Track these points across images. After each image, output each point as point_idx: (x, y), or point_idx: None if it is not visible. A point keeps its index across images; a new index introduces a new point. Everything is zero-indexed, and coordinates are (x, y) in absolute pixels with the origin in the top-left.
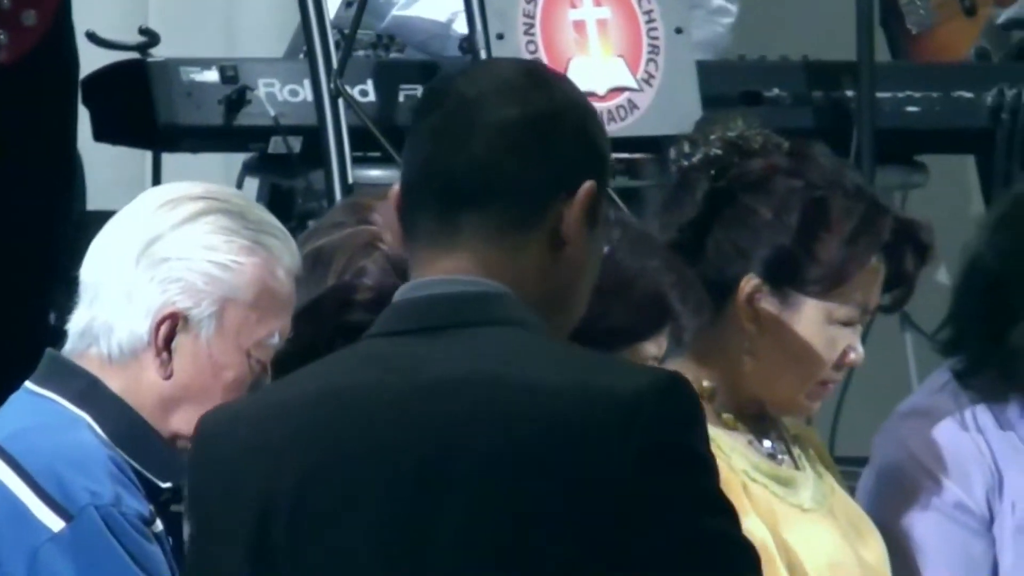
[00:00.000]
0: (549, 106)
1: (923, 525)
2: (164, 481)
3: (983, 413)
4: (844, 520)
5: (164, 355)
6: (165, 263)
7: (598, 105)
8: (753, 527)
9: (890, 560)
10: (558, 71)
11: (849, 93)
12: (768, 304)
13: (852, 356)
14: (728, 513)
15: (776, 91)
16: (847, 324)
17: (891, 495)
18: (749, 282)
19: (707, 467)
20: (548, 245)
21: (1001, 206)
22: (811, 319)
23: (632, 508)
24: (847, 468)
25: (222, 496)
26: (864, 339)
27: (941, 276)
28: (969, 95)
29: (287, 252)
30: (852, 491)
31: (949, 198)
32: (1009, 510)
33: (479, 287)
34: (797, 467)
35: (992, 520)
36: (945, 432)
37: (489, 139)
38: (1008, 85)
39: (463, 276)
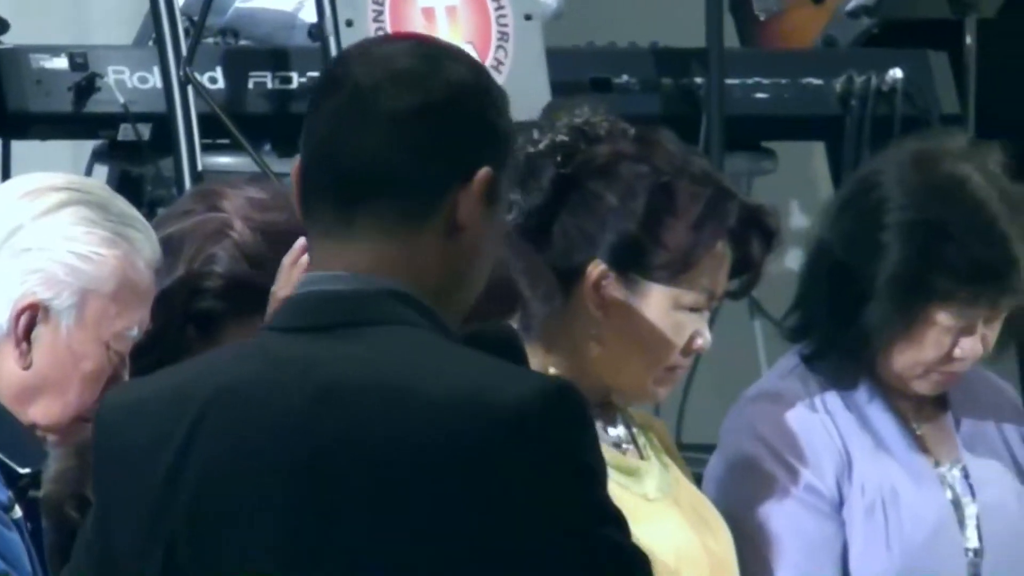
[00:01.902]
0: (445, 93)
1: (773, 509)
2: (23, 467)
3: (832, 396)
4: (690, 510)
5: (24, 345)
6: (26, 253)
7: None
8: None
9: (741, 544)
10: (459, 49)
11: (698, 80)
12: (614, 290)
13: (699, 342)
14: (617, 522)
15: (625, 77)
16: (694, 310)
17: (740, 480)
18: (595, 268)
19: (595, 476)
20: (445, 232)
21: (844, 190)
22: (658, 305)
23: (522, 519)
24: (695, 455)
25: (125, 485)
26: (712, 325)
27: (790, 262)
28: (818, 82)
29: (148, 245)
30: (699, 479)
31: (798, 185)
32: (859, 493)
33: (373, 284)
34: (642, 456)
35: (842, 503)
36: (794, 415)
37: (384, 131)
38: (857, 72)
39: (359, 273)
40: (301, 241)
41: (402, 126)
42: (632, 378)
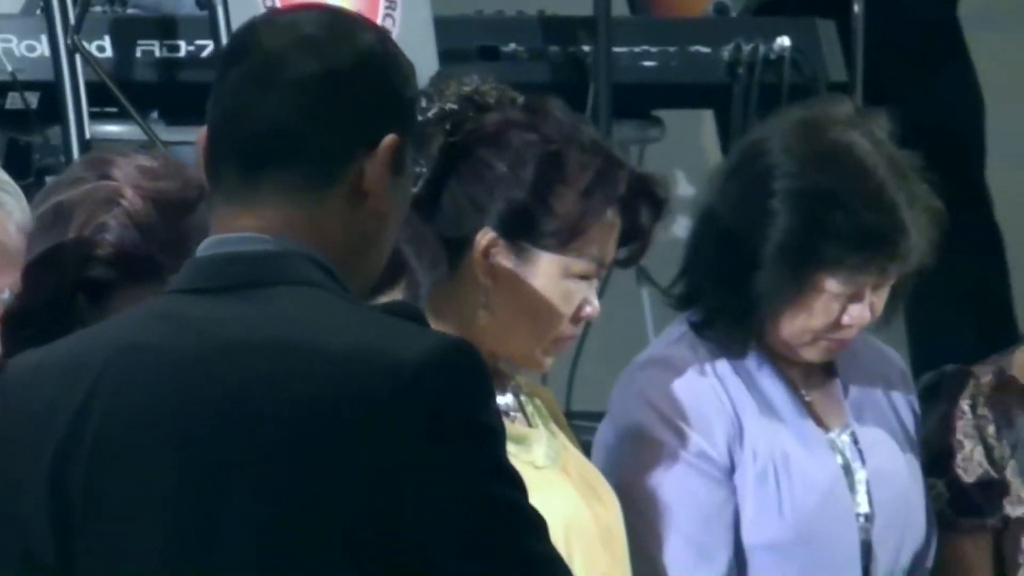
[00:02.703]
0: (350, 61)
1: (664, 475)
2: None
3: (721, 363)
4: (578, 478)
5: None
6: None
7: None
8: None
9: (632, 512)
10: (365, 18)
11: (586, 48)
12: (504, 258)
13: (588, 310)
14: (515, 482)
15: (513, 46)
16: (583, 278)
17: (631, 447)
18: (485, 236)
19: (493, 436)
20: (349, 199)
21: (732, 158)
22: (547, 273)
23: (418, 477)
24: (583, 423)
25: (23, 450)
26: (601, 294)
27: (678, 230)
28: (706, 50)
29: (18, 208)
30: (587, 447)
31: (686, 153)
32: (751, 458)
33: (277, 246)
34: (530, 424)
35: (734, 469)
36: (684, 381)
37: (289, 98)
38: (745, 40)
39: (262, 234)
40: None
41: (307, 93)
42: (521, 346)
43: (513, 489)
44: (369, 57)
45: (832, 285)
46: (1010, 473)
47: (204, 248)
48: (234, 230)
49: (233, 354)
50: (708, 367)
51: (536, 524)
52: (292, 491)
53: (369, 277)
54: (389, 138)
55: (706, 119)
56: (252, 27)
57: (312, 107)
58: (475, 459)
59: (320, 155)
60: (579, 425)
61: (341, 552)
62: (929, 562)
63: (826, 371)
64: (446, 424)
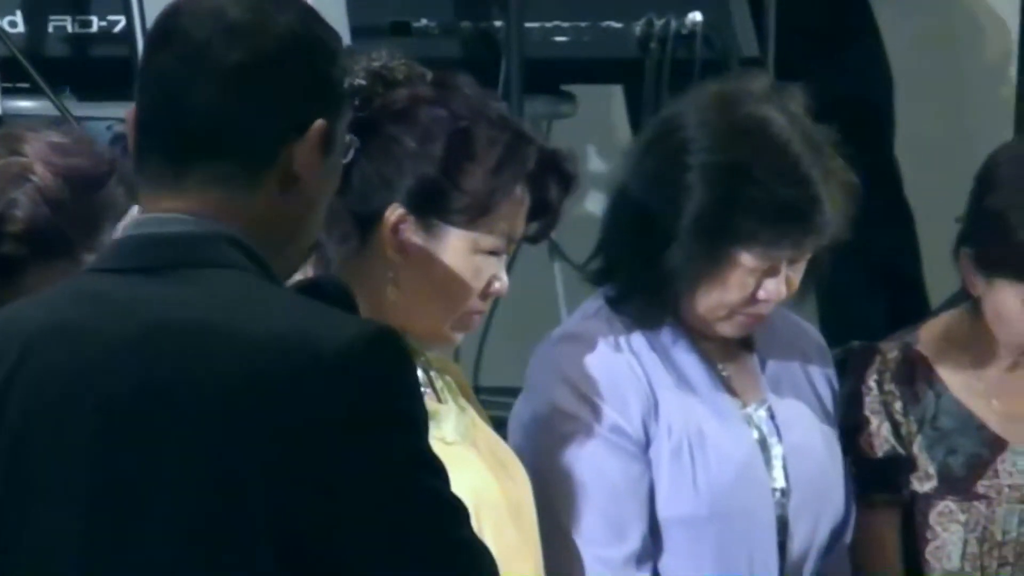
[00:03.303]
0: (276, 47)
1: (579, 450)
2: None
3: (637, 338)
4: (488, 453)
5: None
6: None
7: None
8: None
9: (547, 486)
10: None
11: (497, 23)
12: (413, 234)
13: (497, 286)
14: (437, 471)
15: (424, 21)
16: (492, 254)
17: (546, 422)
18: (394, 212)
19: (415, 424)
20: (279, 184)
21: (647, 132)
22: (456, 249)
23: (341, 467)
24: (492, 399)
25: None
26: (511, 269)
27: (590, 206)
28: (617, 25)
29: None
30: (496, 422)
31: (597, 129)
32: (665, 433)
33: (202, 228)
34: (439, 400)
35: (649, 444)
36: (599, 356)
37: (215, 86)
38: (657, 15)
39: (187, 216)
40: None
41: (233, 81)
42: (430, 322)
43: (436, 478)
44: (294, 41)
45: (747, 259)
46: (917, 448)
47: (129, 228)
48: (160, 211)
49: (156, 336)
50: (623, 342)
51: (459, 512)
52: (214, 477)
53: (297, 258)
54: (317, 123)
55: (618, 95)
56: (176, 11)
57: (239, 95)
58: (398, 448)
59: (248, 143)
60: (488, 400)
61: (264, 540)
62: (847, 537)
63: (743, 346)
64: (370, 413)
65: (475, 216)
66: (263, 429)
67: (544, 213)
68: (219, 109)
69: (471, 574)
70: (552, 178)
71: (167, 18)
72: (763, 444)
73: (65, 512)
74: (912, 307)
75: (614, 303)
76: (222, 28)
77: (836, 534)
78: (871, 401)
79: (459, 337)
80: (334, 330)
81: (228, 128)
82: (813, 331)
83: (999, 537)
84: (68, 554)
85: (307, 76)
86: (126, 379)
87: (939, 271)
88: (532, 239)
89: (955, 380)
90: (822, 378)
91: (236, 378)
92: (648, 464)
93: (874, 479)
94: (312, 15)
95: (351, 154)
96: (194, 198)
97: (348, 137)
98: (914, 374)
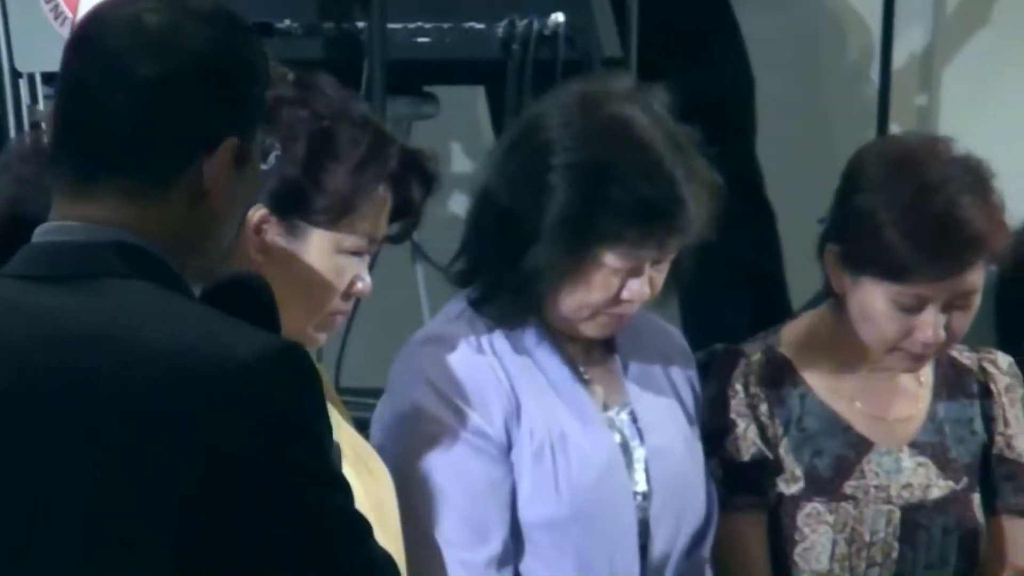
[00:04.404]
0: (190, 62)
1: (441, 452)
2: None
3: (500, 339)
4: (351, 453)
5: None
6: None
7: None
8: None
9: (409, 488)
10: (216, 9)
11: (360, 24)
12: (275, 234)
13: (360, 286)
14: (340, 487)
15: (287, 22)
16: (355, 254)
17: (409, 424)
18: (256, 212)
19: (319, 440)
20: (189, 199)
21: (510, 133)
22: (319, 249)
23: (243, 479)
24: (354, 399)
25: None
26: (373, 270)
27: (453, 207)
28: (480, 26)
29: None
30: (359, 423)
31: (460, 129)
32: (528, 436)
33: (111, 237)
34: None
35: (511, 446)
36: (462, 359)
37: (127, 98)
38: (519, 16)
39: (97, 225)
40: None
41: (145, 94)
42: (293, 322)
43: (340, 494)
44: (210, 58)
45: (611, 259)
46: (783, 451)
47: (39, 234)
48: (71, 219)
49: (62, 346)
50: (486, 344)
51: (364, 529)
52: (114, 487)
53: (207, 269)
54: (229, 141)
55: (481, 95)
56: (96, 18)
57: (150, 108)
58: (302, 464)
59: (157, 156)
60: (350, 402)
61: (166, 553)
62: (709, 540)
63: (606, 348)
64: (274, 429)
65: (337, 216)
66: (165, 442)
67: (406, 213)
68: (130, 120)
69: None
70: (414, 178)
71: (87, 24)
72: (625, 447)
73: None
74: (774, 307)
75: (477, 304)
76: (138, 40)
77: (698, 537)
78: (737, 404)
79: (322, 338)
80: (240, 344)
81: (138, 140)
82: (676, 334)
83: (867, 538)
84: None
85: (220, 93)
86: (31, 388)
87: (801, 271)
88: (394, 239)
89: (819, 381)
90: (684, 381)
91: (137, 390)
92: (510, 467)
93: (741, 482)
94: (237, 31)
95: (272, 160)
96: (103, 207)
97: (267, 141)
98: (779, 376)
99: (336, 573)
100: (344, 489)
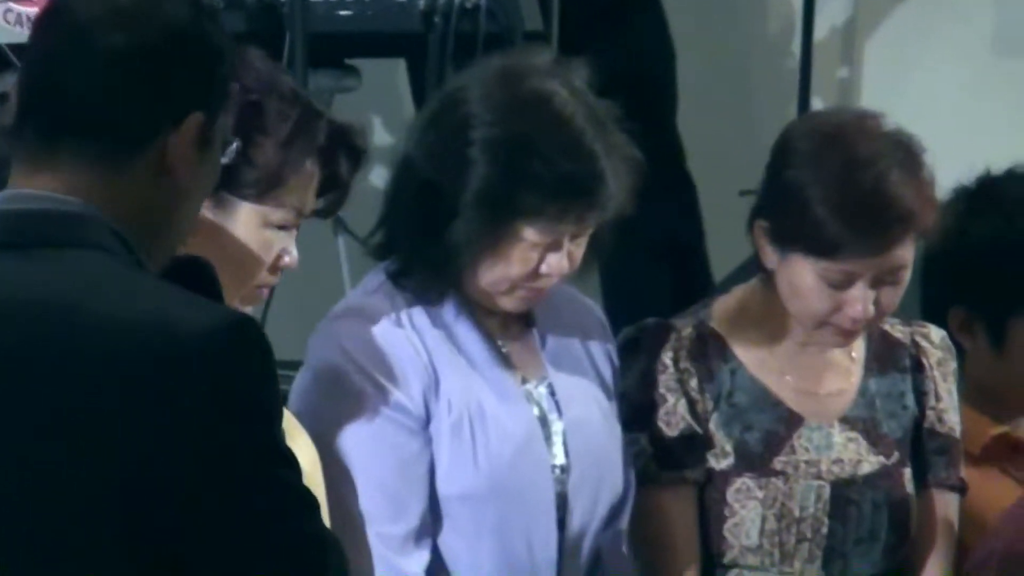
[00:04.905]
0: (161, 36)
1: (360, 425)
2: None
3: (418, 313)
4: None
5: None
6: None
7: (19, 7)
8: None
9: (328, 461)
10: None
11: None
12: (204, 208)
13: (287, 259)
14: (289, 463)
15: None
16: (282, 227)
17: (327, 397)
18: None
19: (270, 416)
20: (151, 173)
21: (430, 106)
22: (246, 222)
23: (197, 453)
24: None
25: None
26: (296, 243)
27: (374, 179)
28: None
29: None
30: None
31: (381, 102)
32: (446, 410)
33: (69, 207)
34: None
35: (429, 419)
36: (380, 331)
37: (95, 70)
38: None
39: (57, 195)
40: None
41: (115, 66)
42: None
43: (289, 470)
44: (181, 33)
45: (530, 234)
46: (713, 426)
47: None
48: (32, 187)
49: (16, 313)
50: (405, 317)
51: (310, 505)
52: (63, 455)
53: (168, 248)
54: (194, 116)
55: (402, 68)
56: None
57: (119, 80)
58: (254, 439)
59: (122, 129)
60: None
61: (117, 524)
62: (626, 513)
63: (524, 322)
64: (227, 403)
65: (266, 190)
66: (117, 413)
67: (334, 187)
68: (97, 88)
69: (322, 566)
70: (342, 152)
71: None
72: (543, 421)
73: None
74: (695, 279)
75: (396, 278)
76: (110, 11)
77: (615, 510)
78: (667, 379)
79: (249, 311)
80: (195, 317)
81: (104, 108)
82: (593, 307)
83: (797, 513)
84: None
85: (189, 68)
86: None
87: (723, 243)
88: (322, 213)
89: (750, 356)
90: (602, 354)
91: (91, 359)
92: (428, 441)
93: (670, 457)
94: (207, 14)
95: (232, 155)
96: (66, 177)
97: (229, 134)
98: (709, 351)
99: (284, 547)
100: (293, 465)
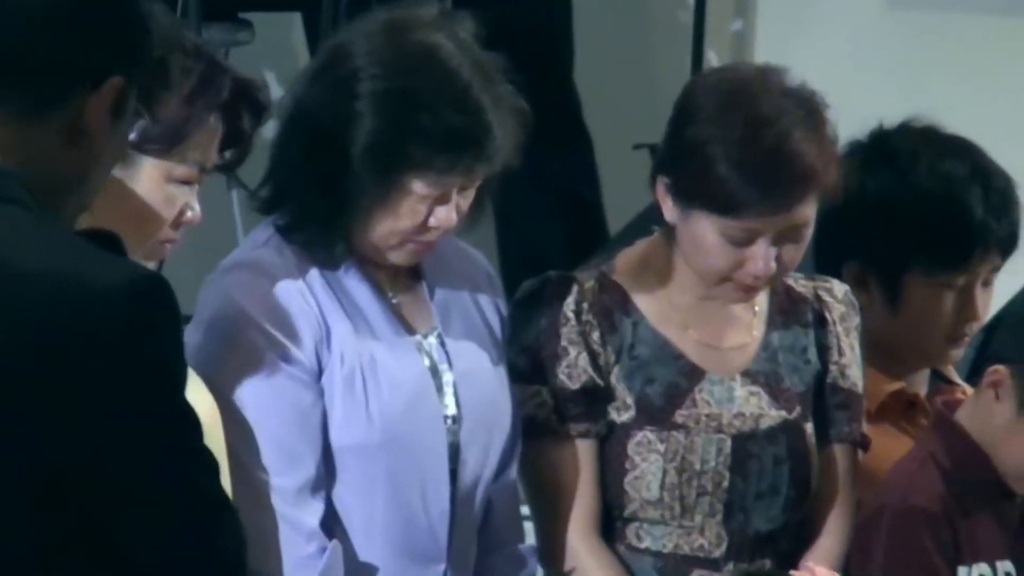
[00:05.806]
0: None
1: (252, 378)
2: None
3: (308, 266)
4: None
5: None
6: None
7: None
8: None
9: (222, 414)
10: None
11: None
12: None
13: (189, 215)
14: (194, 424)
15: None
16: (185, 183)
17: (219, 350)
18: None
19: (175, 376)
20: (66, 133)
21: (317, 60)
22: (149, 178)
23: (101, 411)
24: None
25: None
26: None
27: (267, 133)
28: None
29: None
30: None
31: (275, 56)
32: (338, 362)
33: None
34: None
35: (321, 372)
36: (271, 284)
37: (16, 21)
38: None
39: None
40: None
41: (36, 21)
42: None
43: (192, 430)
44: None
45: (419, 187)
46: (615, 379)
47: None
48: None
49: None
50: (295, 270)
51: (211, 467)
52: None
53: (74, 212)
54: (114, 80)
55: (296, 22)
56: None
57: (39, 35)
58: (158, 398)
59: (41, 80)
60: None
61: (22, 479)
62: (515, 462)
63: (413, 274)
64: (133, 360)
65: (169, 145)
66: (24, 363)
67: (237, 142)
68: (16, 41)
69: (221, 528)
70: (245, 108)
71: None
72: (434, 371)
73: None
74: (591, 232)
75: (285, 231)
76: None
77: (505, 460)
78: (568, 331)
79: (152, 266)
80: (104, 272)
81: (22, 61)
82: (481, 258)
83: (697, 467)
84: None
85: (111, 30)
86: None
87: (618, 196)
88: (224, 168)
89: (652, 309)
90: (491, 305)
91: (1, 311)
92: (321, 393)
93: (571, 410)
94: None
95: (135, 131)
96: None
97: (142, 111)
98: (612, 304)
99: (185, 507)
100: (195, 425)
